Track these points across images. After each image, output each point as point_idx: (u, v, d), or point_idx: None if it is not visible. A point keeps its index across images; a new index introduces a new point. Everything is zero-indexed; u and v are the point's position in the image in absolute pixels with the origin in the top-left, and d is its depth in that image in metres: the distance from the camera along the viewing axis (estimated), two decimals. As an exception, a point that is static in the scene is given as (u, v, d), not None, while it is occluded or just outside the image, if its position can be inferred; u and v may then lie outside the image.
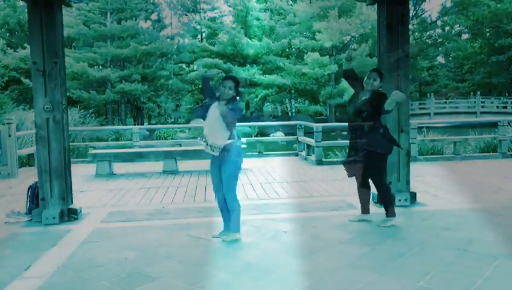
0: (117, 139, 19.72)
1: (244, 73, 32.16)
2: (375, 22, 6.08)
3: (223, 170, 4.21)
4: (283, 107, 39.89)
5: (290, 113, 35.80)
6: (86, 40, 33.86)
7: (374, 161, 4.73)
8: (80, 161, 10.50)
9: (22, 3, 30.49)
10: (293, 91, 35.94)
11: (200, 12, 42.11)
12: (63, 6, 5.35)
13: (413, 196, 5.71)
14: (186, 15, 42.72)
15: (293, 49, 37.16)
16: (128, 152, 9.55)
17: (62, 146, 5.24)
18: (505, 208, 5.40)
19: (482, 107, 33.52)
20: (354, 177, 5.01)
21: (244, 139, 8.79)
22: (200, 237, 4.44)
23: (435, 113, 32.78)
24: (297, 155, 11.36)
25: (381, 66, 5.62)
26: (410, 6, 7.28)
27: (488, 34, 41.45)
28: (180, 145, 11.95)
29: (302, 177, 8.05)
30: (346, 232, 4.54)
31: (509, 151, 10.56)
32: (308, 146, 10.57)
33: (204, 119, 4.26)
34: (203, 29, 41.60)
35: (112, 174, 8.78)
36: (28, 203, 5.42)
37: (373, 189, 4.93)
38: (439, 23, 42.57)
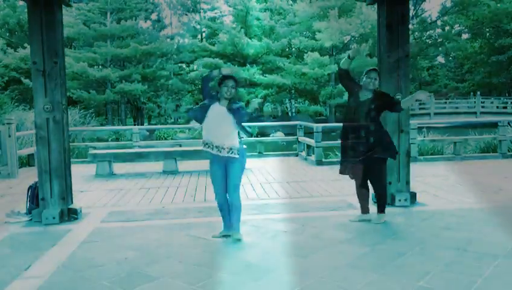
0: (117, 140, 19.72)
1: (244, 73, 32.15)
2: (375, 22, 6.09)
3: (231, 170, 4.20)
4: (283, 107, 39.86)
5: (290, 114, 35.78)
6: (86, 40, 33.84)
7: (380, 162, 4.75)
8: (79, 161, 10.50)
9: (21, 3, 30.51)
10: (293, 91, 35.93)
11: (200, 12, 42.12)
12: (62, 6, 5.35)
13: (413, 196, 5.71)
14: (186, 15, 42.75)
15: (293, 49, 37.16)
16: (128, 152, 9.55)
17: (62, 146, 5.24)
18: (505, 208, 5.40)
19: (482, 107, 33.49)
20: (351, 177, 5.00)
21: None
22: (200, 237, 4.44)
23: (435, 114, 32.75)
24: (297, 155, 11.36)
25: (381, 66, 5.63)
26: (410, 6, 7.29)
27: (488, 34, 41.44)
28: (180, 145, 11.95)
29: (302, 178, 8.05)
30: (346, 232, 4.54)
31: (509, 151, 10.56)
32: (308, 146, 10.57)
33: (201, 122, 4.23)
34: (203, 29, 41.61)
35: (112, 175, 8.78)
36: (28, 203, 5.41)
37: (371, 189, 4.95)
38: (439, 23, 42.55)
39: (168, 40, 37.50)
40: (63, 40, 5.40)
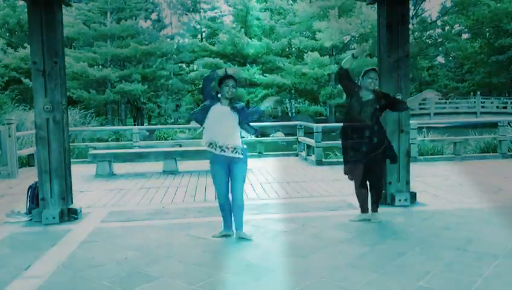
0: (117, 140, 19.72)
1: (244, 73, 32.16)
2: (375, 22, 6.08)
3: (236, 170, 4.20)
4: (283, 107, 39.87)
5: (290, 114, 35.78)
6: (86, 40, 33.85)
7: (382, 161, 4.77)
8: (80, 161, 10.50)
9: (21, 2, 30.54)
10: (293, 91, 35.94)
11: (200, 12, 42.12)
12: (62, 6, 5.35)
13: (413, 196, 5.71)
14: (186, 15, 42.76)
15: (293, 49, 37.16)
16: (128, 152, 9.55)
17: (62, 146, 5.24)
18: (505, 208, 5.40)
19: (482, 107, 33.48)
20: (350, 178, 4.99)
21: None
22: (200, 237, 4.44)
23: (435, 114, 32.73)
24: (297, 155, 11.36)
25: (381, 66, 5.63)
26: (410, 6, 7.29)
27: (488, 34, 41.44)
28: (180, 145, 11.95)
29: (302, 178, 8.05)
30: (346, 232, 4.54)
31: (509, 151, 10.56)
32: (308, 146, 10.57)
33: (202, 123, 4.22)
34: (203, 29, 41.61)
35: (112, 175, 8.78)
36: (28, 203, 5.41)
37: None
38: (439, 23, 42.55)
39: (168, 40, 37.53)
40: (63, 40, 5.40)
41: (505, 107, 33.87)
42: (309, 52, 32.39)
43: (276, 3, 37.28)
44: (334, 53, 33.79)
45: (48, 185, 5.21)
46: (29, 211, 5.35)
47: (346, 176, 5.01)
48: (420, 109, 32.89)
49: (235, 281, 3.36)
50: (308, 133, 11.23)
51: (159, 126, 27.50)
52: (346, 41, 34.71)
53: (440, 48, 42.79)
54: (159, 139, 23.29)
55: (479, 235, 4.31)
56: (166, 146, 12.24)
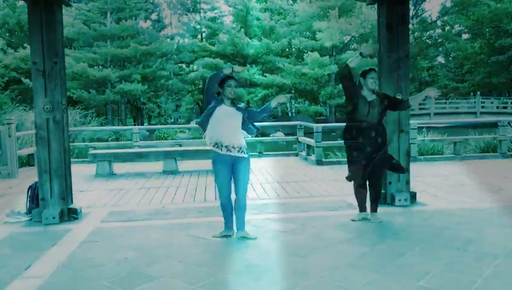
0: (117, 140, 19.73)
1: (244, 73, 32.16)
2: (375, 22, 6.08)
3: (240, 169, 4.20)
4: (283, 107, 39.88)
5: (290, 114, 35.77)
6: (86, 40, 33.86)
7: (385, 161, 4.79)
8: (80, 161, 10.50)
9: (21, 3, 30.50)
10: (293, 91, 35.94)
11: (200, 12, 42.10)
12: (62, 6, 5.35)
13: (413, 196, 5.71)
14: (186, 15, 42.72)
15: (293, 49, 37.16)
16: (128, 152, 9.55)
17: (62, 146, 5.24)
18: (505, 208, 5.40)
19: (482, 107, 33.48)
20: (349, 179, 4.99)
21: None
22: (200, 237, 4.44)
23: (435, 114, 32.74)
24: (297, 155, 11.36)
25: (381, 66, 5.63)
26: (410, 6, 7.29)
27: (488, 34, 41.41)
28: (180, 145, 11.95)
29: (302, 177, 8.05)
30: (346, 232, 4.54)
31: (509, 151, 10.56)
32: (308, 146, 10.57)
33: (205, 127, 4.22)
34: (203, 29, 41.59)
35: (112, 174, 8.78)
36: (28, 203, 5.41)
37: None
38: (439, 23, 42.52)
39: (168, 40, 37.53)
40: (63, 40, 5.40)
41: (505, 107, 33.86)
42: (309, 52, 32.39)
43: (276, 3, 37.28)
44: (334, 53, 33.79)
45: (48, 185, 5.21)
46: (29, 211, 5.35)
47: (348, 179, 4.94)
48: (420, 109, 32.89)
49: (235, 281, 3.36)
50: (308, 133, 11.23)
51: (159, 126, 27.51)
52: (346, 42, 34.70)
53: (440, 48, 42.78)
54: (159, 139, 23.29)
55: (479, 235, 4.31)
56: (166, 146, 12.23)
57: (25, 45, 28.97)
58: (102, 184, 7.76)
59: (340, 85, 6.01)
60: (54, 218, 5.11)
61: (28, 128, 12.73)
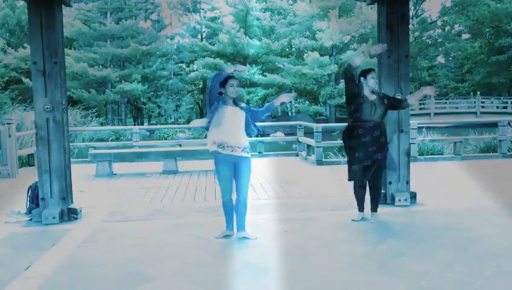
0: (117, 140, 19.74)
1: (244, 73, 32.15)
2: (375, 22, 6.08)
3: (243, 169, 4.19)
4: (283, 107, 39.91)
5: (290, 114, 35.79)
6: (86, 40, 33.88)
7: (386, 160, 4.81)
8: (80, 161, 10.50)
9: (21, 3, 30.51)
10: (293, 91, 35.98)
11: (200, 12, 42.09)
12: (62, 6, 5.35)
13: (413, 196, 5.71)
14: (186, 15, 42.71)
15: (293, 49, 37.16)
16: (128, 152, 9.56)
17: (62, 146, 5.24)
18: (505, 208, 5.40)
19: (482, 107, 33.50)
20: (350, 179, 4.98)
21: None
22: (200, 237, 4.44)
23: (435, 114, 32.77)
24: (297, 155, 11.36)
25: (381, 66, 5.63)
26: (410, 6, 7.29)
27: (488, 34, 41.42)
28: (180, 145, 11.95)
29: (302, 177, 8.05)
30: (346, 232, 4.54)
31: (509, 151, 10.56)
32: (308, 146, 10.57)
33: (207, 128, 4.22)
34: (203, 29, 41.59)
35: (112, 174, 8.77)
36: (28, 203, 5.42)
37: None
38: (439, 23, 42.50)
39: (168, 40, 37.53)
40: (63, 40, 5.40)
41: (505, 107, 33.86)
42: (309, 52, 32.40)
43: (276, 3, 37.27)
44: (334, 53, 33.79)
45: (48, 185, 5.21)
46: (29, 211, 5.35)
47: (348, 178, 4.91)
48: (420, 109, 32.92)
49: (235, 281, 3.36)
50: (308, 133, 11.23)
51: (159, 126, 27.52)
52: (346, 42, 34.70)
53: (440, 48, 42.74)
54: (159, 139, 23.30)
55: (479, 235, 4.31)
56: (166, 146, 12.24)
57: (25, 44, 28.99)
58: (102, 184, 7.76)
59: (340, 85, 6.01)
60: (54, 218, 5.11)
61: (28, 128, 12.73)
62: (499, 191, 6.49)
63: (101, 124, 28.11)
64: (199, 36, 41.10)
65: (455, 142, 10.52)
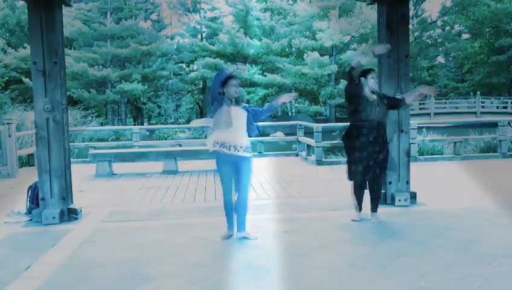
0: (117, 139, 19.75)
1: (244, 73, 32.16)
2: (375, 22, 6.08)
3: (244, 169, 4.19)
4: (283, 107, 39.92)
5: (290, 114, 35.80)
6: (86, 40, 33.90)
7: (387, 161, 4.82)
8: (80, 161, 10.51)
9: (21, 3, 30.53)
10: (293, 91, 35.98)
11: (200, 12, 42.10)
12: (62, 6, 5.35)
13: (413, 196, 5.71)
14: (186, 15, 42.72)
15: (293, 49, 37.17)
16: (128, 152, 9.56)
17: (62, 146, 5.24)
18: (505, 208, 5.40)
19: (482, 107, 33.49)
20: (350, 179, 4.98)
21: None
22: (200, 237, 4.44)
23: (435, 113, 32.76)
24: (297, 155, 11.36)
25: (381, 66, 5.63)
26: (410, 6, 7.29)
27: (488, 34, 41.42)
28: (180, 145, 11.95)
29: (302, 177, 8.05)
30: (346, 232, 4.54)
31: (509, 151, 10.55)
32: (308, 146, 10.57)
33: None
34: (203, 29, 41.60)
35: (112, 174, 8.77)
36: (28, 203, 5.41)
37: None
38: (439, 23, 42.51)
39: (168, 40, 37.54)
40: (63, 40, 5.40)
41: (505, 107, 33.85)
42: (309, 52, 32.41)
43: (276, 3, 37.27)
44: (334, 53, 33.80)
45: (48, 185, 5.21)
46: (29, 211, 5.35)
47: (349, 178, 4.90)
48: (420, 109, 32.92)
49: (235, 281, 3.36)
50: (308, 133, 11.23)
51: (159, 126, 27.55)
52: (346, 42, 34.70)
53: (440, 48, 42.75)
54: (159, 139, 23.31)
55: (479, 235, 4.31)
56: (166, 146, 12.24)
57: (25, 44, 28.99)
58: (102, 184, 7.76)
59: (340, 85, 6.01)
60: (54, 218, 5.11)
61: (28, 128, 12.74)
62: (498, 191, 6.50)
63: (101, 124, 28.12)
64: (199, 36, 41.12)
65: (455, 142, 10.52)
